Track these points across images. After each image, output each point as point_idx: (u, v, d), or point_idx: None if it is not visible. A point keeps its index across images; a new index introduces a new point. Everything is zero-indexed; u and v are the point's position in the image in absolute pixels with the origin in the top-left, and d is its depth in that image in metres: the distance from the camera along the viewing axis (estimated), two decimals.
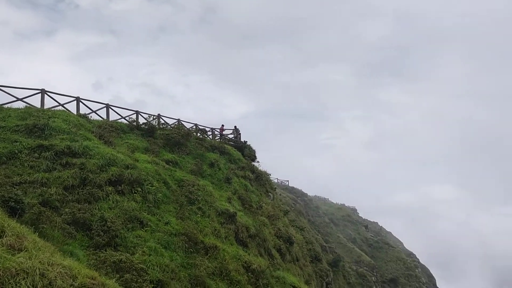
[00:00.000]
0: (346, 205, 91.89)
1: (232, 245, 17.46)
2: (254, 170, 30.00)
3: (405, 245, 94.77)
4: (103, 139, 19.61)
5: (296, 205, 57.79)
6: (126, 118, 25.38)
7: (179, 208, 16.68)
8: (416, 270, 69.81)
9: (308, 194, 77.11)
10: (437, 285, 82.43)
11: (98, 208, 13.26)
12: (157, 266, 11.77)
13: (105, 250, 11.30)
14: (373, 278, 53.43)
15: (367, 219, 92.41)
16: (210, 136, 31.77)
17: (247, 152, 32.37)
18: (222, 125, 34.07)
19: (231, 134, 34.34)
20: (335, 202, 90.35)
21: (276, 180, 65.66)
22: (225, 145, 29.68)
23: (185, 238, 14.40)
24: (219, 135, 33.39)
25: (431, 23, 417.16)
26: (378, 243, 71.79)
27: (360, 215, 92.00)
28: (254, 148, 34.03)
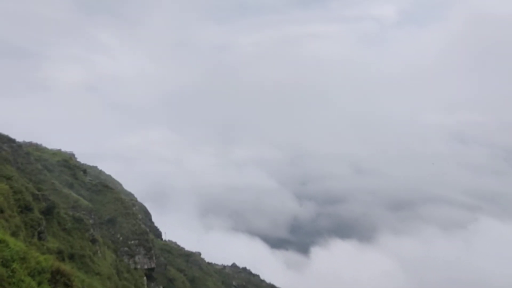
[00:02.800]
0: (62, 150, 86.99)
1: None
2: None
3: (124, 186, 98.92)
4: None
5: (1, 152, 50.82)
6: None
7: None
8: (134, 208, 74.33)
9: (17, 140, 68.75)
10: (153, 220, 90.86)
11: None
12: None
13: None
14: (91, 221, 53.90)
15: (86, 164, 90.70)
16: None
17: None
18: None
19: None
20: (50, 148, 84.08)
21: None
22: None
23: None
24: None
25: None
26: (97, 186, 72.09)
27: (78, 160, 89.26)
28: None
